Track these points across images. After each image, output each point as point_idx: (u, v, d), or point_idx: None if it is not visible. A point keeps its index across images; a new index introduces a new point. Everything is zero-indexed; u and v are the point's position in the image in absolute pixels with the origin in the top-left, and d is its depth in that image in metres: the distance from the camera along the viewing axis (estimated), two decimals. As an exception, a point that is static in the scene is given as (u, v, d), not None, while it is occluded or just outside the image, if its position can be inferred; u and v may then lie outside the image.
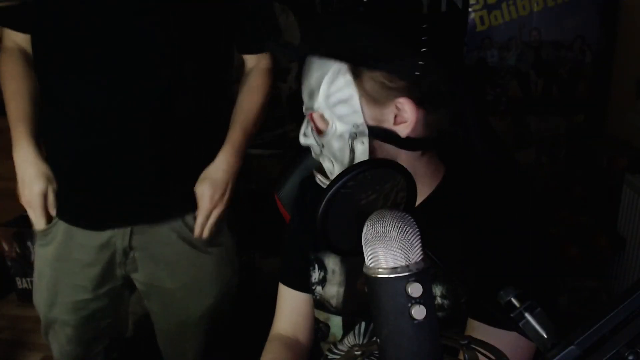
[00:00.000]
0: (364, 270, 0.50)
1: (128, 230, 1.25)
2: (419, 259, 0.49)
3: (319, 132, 0.86)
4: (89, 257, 1.26)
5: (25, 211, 1.27)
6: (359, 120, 0.81)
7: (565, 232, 2.08)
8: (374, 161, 0.59)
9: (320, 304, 0.98)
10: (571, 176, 2.46)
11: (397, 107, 0.80)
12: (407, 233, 0.49)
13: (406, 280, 0.48)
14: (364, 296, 0.94)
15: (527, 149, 2.54)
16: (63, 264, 1.28)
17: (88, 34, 1.13)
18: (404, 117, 0.80)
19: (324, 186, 0.86)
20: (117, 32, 1.12)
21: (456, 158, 0.90)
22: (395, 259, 0.48)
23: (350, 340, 0.94)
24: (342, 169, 0.81)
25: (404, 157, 0.84)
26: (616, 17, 2.38)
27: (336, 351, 0.97)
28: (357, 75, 0.80)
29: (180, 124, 1.21)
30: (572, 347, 0.44)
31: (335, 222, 0.54)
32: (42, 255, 1.30)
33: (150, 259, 1.28)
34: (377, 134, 0.82)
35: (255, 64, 1.34)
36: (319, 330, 1.00)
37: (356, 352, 0.56)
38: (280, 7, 2.60)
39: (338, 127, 0.82)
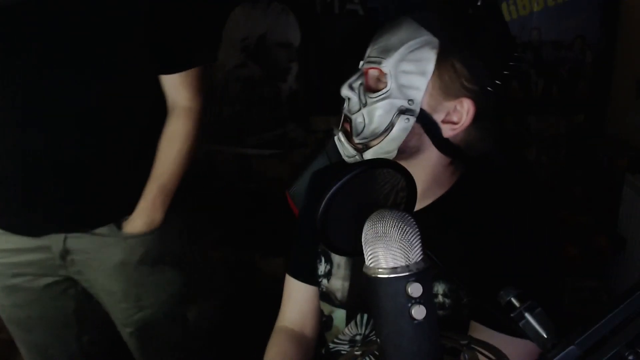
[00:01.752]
0: (364, 270, 0.50)
1: (62, 237, 1.24)
2: (419, 259, 0.49)
3: (369, 90, 0.82)
4: (23, 257, 1.26)
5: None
6: (417, 97, 0.79)
7: (565, 232, 2.08)
8: (374, 161, 0.59)
9: (325, 296, 0.98)
10: (571, 176, 2.46)
11: (456, 107, 0.80)
12: (407, 233, 0.49)
13: (406, 280, 0.47)
14: None
15: (527, 149, 2.55)
16: None
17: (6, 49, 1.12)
18: (454, 118, 0.80)
19: (340, 146, 0.85)
20: (37, 45, 1.11)
21: (471, 163, 0.90)
22: (395, 259, 0.48)
23: (352, 329, 0.95)
24: (373, 135, 0.81)
25: (434, 156, 0.84)
26: (616, 17, 2.37)
27: (337, 340, 0.97)
28: (443, 57, 0.79)
29: (111, 133, 1.20)
30: (572, 347, 0.44)
31: (335, 222, 0.54)
32: None
33: (88, 261, 1.28)
34: (424, 121, 0.80)
35: (175, 94, 1.24)
36: (322, 322, 1.01)
37: (356, 352, 0.56)
38: (280, 7, 2.60)
39: (393, 94, 0.80)
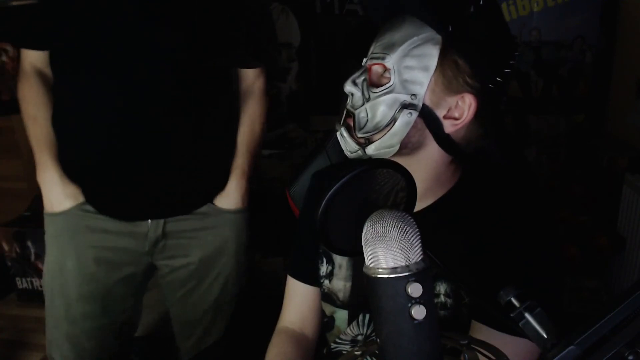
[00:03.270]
0: (364, 270, 0.50)
1: (162, 222, 1.28)
2: (419, 259, 0.49)
3: (372, 85, 0.83)
4: (114, 242, 1.29)
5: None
6: (420, 92, 0.80)
7: (565, 232, 2.08)
8: (374, 161, 0.59)
9: (327, 297, 0.98)
10: (571, 176, 2.46)
11: (457, 102, 0.80)
12: (407, 233, 0.49)
13: (406, 280, 0.47)
14: None
15: (527, 149, 2.55)
16: (83, 246, 1.29)
17: (104, 41, 1.16)
18: (456, 114, 0.81)
19: (343, 141, 0.86)
20: (132, 38, 1.16)
21: (473, 161, 0.90)
22: (395, 259, 0.48)
23: (354, 329, 0.95)
24: (375, 130, 0.82)
25: (436, 153, 0.84)
26: (616, 17, 2.38)
27: (339, 341, 0.98)
28: (445, 54, 0.79)
29: (202, 115, 1.26)
30: (572, 347, 0.44)
31: (335, 222, 0.54)
32: (55, 241, 1.31)
33: (190, 242, 1.33)
34: (427, 115, 0.81)
35: (252, 82, 1.38)
36: (324, 323, 1.01)
37: (356, 352, 0.56)
38: (280, 7, 2.60)
39: (396, 89, 0.80)
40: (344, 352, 0.95)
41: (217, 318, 1.43)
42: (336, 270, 0.96)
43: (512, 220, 0.83)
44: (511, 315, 0.48)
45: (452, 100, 0.81)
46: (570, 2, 2.37)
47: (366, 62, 0.86)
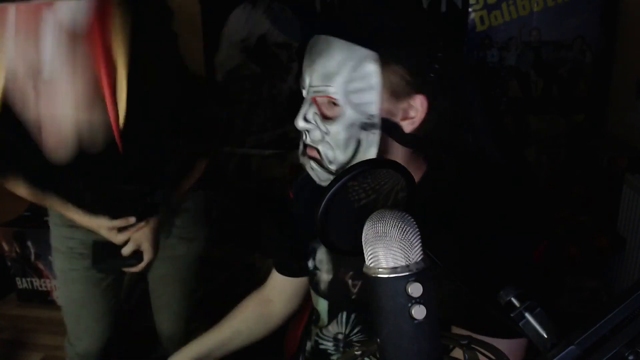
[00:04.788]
0: (364, 270, 0.50)
1: None
2: (419, 258, 0.49)
3: (325, 118, 0.83)
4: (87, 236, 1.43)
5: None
6: (375, 110, 0.80)
7: (565, 232, 2.08)
8: (374, 161, 0.58)
9: (315, 285, 1.00)
10: (571, 176, 2.46)
11: (409, 103, 0.81)
12: (407, 233, 0.49)
13: (406, 280, 0.47)
14: (346, 287, 0.95)
15: (527, 149, 2.55)
16: (67, 239, 1.48)
17: None
18: (411, 113, 0.81)
19: (314, 174, 0.86)
20: None
21: (436, 156, 0.89)
22: (396, 259, 0.48)
23: (334, 328, 0.97)
24: (345, 157, 0.82)
25: (400, 152, 0.84)
26: (616, 17, 2.38)
27: (322, 336, 1.00)
28: (384, 66, 0.79)
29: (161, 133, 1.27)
30: (572, 347, 0.44)
31: (335, 221, 0.54)
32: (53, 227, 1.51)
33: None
34: (386, 127, 0.81)
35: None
36: (311, 314, 1.05)
37: (356, 352, 0.56)
38: (280, 7, 2.60)
39: (350, 116, 0.80)
40: (329, 352, 0.96)
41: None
42: (319, 264, 0.99)
43: (510, 220, 0.82)
44: (511, 315, 0.48)
45: (404, 104, 0.81)
46: (570, 2, 2.37)
47: (307, 94, 0.85)
